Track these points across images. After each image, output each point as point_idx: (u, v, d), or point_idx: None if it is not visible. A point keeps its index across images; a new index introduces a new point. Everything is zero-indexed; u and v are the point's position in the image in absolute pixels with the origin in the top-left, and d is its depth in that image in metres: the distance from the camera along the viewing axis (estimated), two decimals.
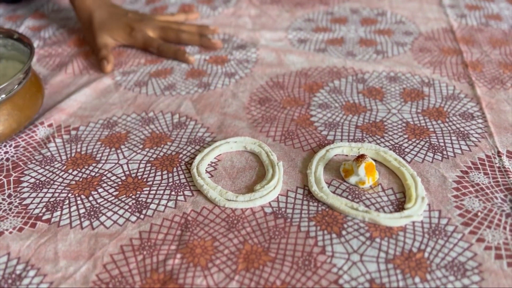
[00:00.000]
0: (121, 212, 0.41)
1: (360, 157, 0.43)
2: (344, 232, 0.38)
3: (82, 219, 0.40)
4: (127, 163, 0.46)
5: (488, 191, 0.42)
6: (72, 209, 0.41)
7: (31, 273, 0.36)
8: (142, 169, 0.45)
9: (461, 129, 0.49)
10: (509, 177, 0.43)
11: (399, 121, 0.50)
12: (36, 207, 0.41)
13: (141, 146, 0.48)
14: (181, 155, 0.47)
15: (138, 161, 0.46)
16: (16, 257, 0.37)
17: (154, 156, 0.47)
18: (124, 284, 0.35)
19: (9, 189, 0.44)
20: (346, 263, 0.36)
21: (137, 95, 0.56)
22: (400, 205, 0.41)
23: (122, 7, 0.70)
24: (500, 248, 0.37)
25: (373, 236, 0.38)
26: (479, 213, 0.40)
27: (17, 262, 0.37)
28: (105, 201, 0.42)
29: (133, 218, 0.40)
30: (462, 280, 0.34)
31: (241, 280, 0.35)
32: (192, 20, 0.73)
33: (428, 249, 0.37)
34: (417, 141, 0.47)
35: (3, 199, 0.43)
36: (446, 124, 0.50)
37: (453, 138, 0.48)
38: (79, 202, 0.42)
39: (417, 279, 0.35)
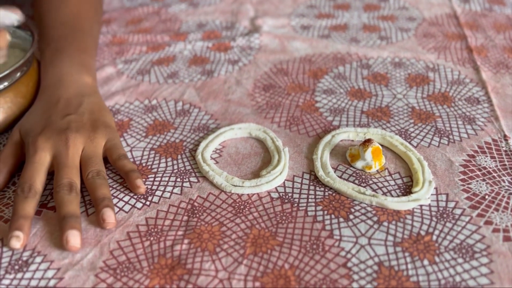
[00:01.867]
0: (126, 199, 0.41)
1: (367, 142, 0.42)
2: (351, 216, 0.38)
3: (88, 206, 0.40)
4: (130, 151, 0.46)
5: (495, 174, 0.41)
6: None
7: (38, 259, 0.36)
8: (146, 157, 0.45)
9: (467, 113, 0.49)
10: None
11: (404, 106, 0.50)
12: (42, 194, 0.41)
13: (144, 134, 0.48)
14: (185, 143, 0.47)
15: (142, 149, 0.46)
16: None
17: (158, 143, 0.47)
18: (131, 269, 0.35)
19: (13, 176, 0.43)
20: (354, 246, 0.36)
21: (140, 83, 0.56)
22: (407, 189, 0.41)
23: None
24: (508, 230, 0.37)
25: (380, 219, 0.38)
26: (486, 196, 0.39)
27: (23, 249, 0.36)
28: (111, 188, 0.42)
29: (139, 205, 0.40)
30: (471, 262, 0.34)
31: (249, 264, 0.35)
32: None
33: (436, 232, 0.37)
34: (423, 126, 0.47)
35: (8, 187, 0.42)
36: (452, 109, 0.49)
37: (459, 122, 0.47)
38: (84, 189, 0.42)
39: (425, 262, 0.35)
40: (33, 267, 0.35)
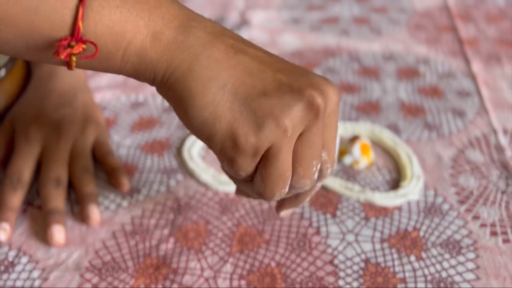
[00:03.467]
0: (112, 197, 0.40)
1: (355, 138, 0.42)
2: (339, 213, 0.38)
3: (74, 205, 0.40)
4: (116, 148, 0.45)
5: (483, 168, 0.41)
6: None
7: (24, 259, 0.35)
8: (132, 154, 0.45)
9: (457, 107, 0.48)
10: (504, 155, 0.42)
11: (394, 100, 0.50)
12: (27, 193, 0.41)
13: (130, 130, 0.47)
14: (172, 140, 0.46)
15: (128, 146, 0.46)
16: (7, 244, 0.36)
17: (144, 140, 0.46)
18: (117, 269, 0.35)
19: None
20: (341, 243, 0.36)
21: (127, 79, 0.55)
22: (395, 185, 0.40)
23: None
24: (495, 225, 0.36)
25: (368, 216, 0.38)
26: (474, 191, 0.39)
27: (9, 249, 0.36)
28: (97, 186, 0.41)
29: (125, 204, 0.40)
30: (458, 257, 0.34)
31: (235, 262, 0.35)
32: None
33: (424, 227, 0.37)
34: (413, 120, 0.47)
35: None
36: (442, 102, 0.49)
37: (449, 116, 0.47)
38: (70, 188, 0.41)
39: (412, 258, 0.34)
40: (18, 268, 0.35)
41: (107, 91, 0.52)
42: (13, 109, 0.45)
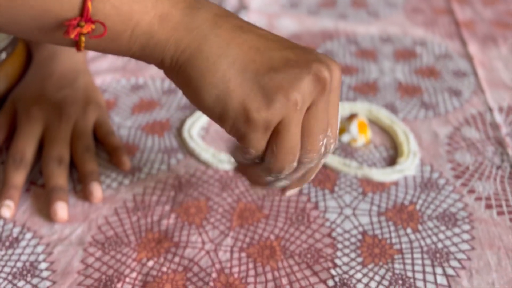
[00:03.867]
0: (114, 175, 0.41)
1: (353, 116, 0.43)
2: (336, 188, 0.39)
3: (76, 183, 0.40)
4: (117, 129, 0.46)
5: (479, 145, 0.42)
6: None
7: (28, 235, 0.36)
8: (133, 135, 0.45)
9: (453, 86, 0.49)
10: (500, 132, 0.43)
11: (391, 80, 0.50)
12: (30, 172, 0.41)
13: (130, 112, 0.48)
14: (171, 121, 0.47)
15: (128, 127, 0.46)
16: (12, 221, 0.37)
17: (145, 121, 0.47)
18: (119, 243, 0.35)
19: (1, 155, 0.44)
20: (339, 217, 0.36)
21: (127, 63, 0.56)
22: (392, 161, 0.41)
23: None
24: (490, 198, 0.37)
25: (365, 191, 0.38)
26: (470, 166, 0.40)
27: (13, 226, 0.37)
28: (99, 165, 0.42)
29: (126, 182, 0.40)
30: (453, 229, 0.35)
31: (235, 236, 0.36)
32: None
33: (420, 201, 0.37)
34: (410, 100, 0.47)
35: None
36: (439, 82, 0.50)
37: (445, 95, 0.48)
38: (72, 167, 0.42)
39: (409, 230, 0.35)
40: (23, 243, 0.36)
41: (107, 75, 0.53)
42: (15, 90, 0.45)
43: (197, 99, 0.28)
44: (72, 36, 0.26)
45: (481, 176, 0.39)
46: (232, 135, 0.28)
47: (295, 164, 0.29)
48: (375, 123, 0.45)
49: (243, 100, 0.27)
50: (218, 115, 0.28)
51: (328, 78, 0.27)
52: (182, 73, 0.28)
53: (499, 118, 0.44)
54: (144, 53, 0.28)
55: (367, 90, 0.49)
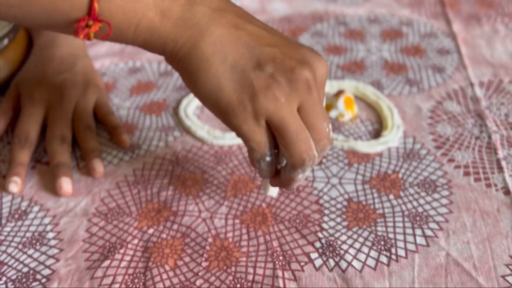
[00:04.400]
0: (114, 152, 0.43)
1: (340, 92, 0.45)
2: (324, 160, 0.41)
3: (79, 161, 0.43)
4: (116, 110, 0.48)
5: (460, 118, 0.44)
6: None
7: (35, 208, 0.39)
8: (132, 115, 0.48)
9: (437, 64, 0.51)
10: (480, 105, 0.45)
11: (378, 59, 0.52)
12: (35, 151, 0.44)
13: (128, 94, 0.50)
14: (168, 101, 0.49)
15: (127, 108, 0.48)
16: (19, 196, 0.40)
17: (142, 102, 0.49)
18: (121, 214, 0.38)
19: (7, 137, 0.46)
20: (326, 186, 0.39)
21: (124, 47, 0.57)
22: (377, 134, 0.43)
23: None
24: (469, 166, 0.40)
25: (351, 162, 0.41)
26: (450, 137, 0.42)
27: (21, 200, 0.39)
28: (100, 144, 0.44)
29: (127, 158, 0.43)
30: (433, 195, 0.37)
31: (230, 205, 0.38)
32: None
33: (402, 170, 0.40)
34: (395, 77, 0.50)
35: (3, 147, 0.45)
36: (423, 60, 0.52)
37: (429, 72, 0.50)
38: (75, 145, 0.44)
39: (391, 196, 0.38)
40: (31, 215, 0.38)
41: (106, 59, 0.55)
42: (18, 75, 0.48)
43: (194, 89, 0.31)
44: (81, 36, 0.28)
45: (461, 146, 0.41)
46: (230, 128, 0.31)
47: (314, 152, 0.31)
48: (361, 99, 0.47)
49: (232, 94, 0.29)
50: (212, 106, 0.30)
51: (311, 79, 0.30)
52: (181, 64, 0.31)
53: (479, 92, 0.46)
54: (147, 45, 0.31)
55: (355, 68, 0.51)
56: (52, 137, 0.42)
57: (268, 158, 0.31)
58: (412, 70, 0.50)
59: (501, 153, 0.40)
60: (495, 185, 0.38)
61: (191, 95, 0.48)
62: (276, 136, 0.30)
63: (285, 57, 0.30)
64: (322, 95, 0.32)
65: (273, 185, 0.34)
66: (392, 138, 0.42)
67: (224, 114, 0.30)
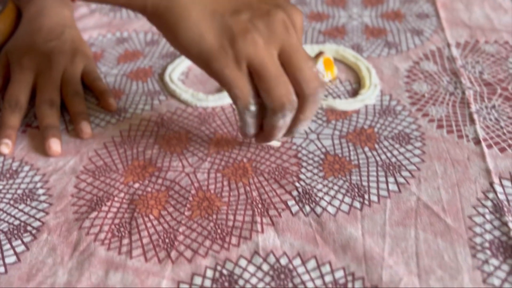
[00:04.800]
0: (102, 116, 0.45)
1: (319, 54, 0.46)
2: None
3: (68, 124, 0.44)
4: (104, 77, 0.50)
5: (435, 76, 0.46)
6: None
7: (26, 168, 0.40)
8: (119, 81, 0.49)
9: (416, 27, 0.52)
10: (456, 64, 0.46)
11: (359, 24, 0.54)
12: (25, 116, 0.45)
13: (115, 62, 0.52)
14: (154, 68, 0.50)
15: (115, 75, 0.50)
16: (11, 157, 0.41)
17: (129, 70, 0.50)
18: (108, 171, 0.39)
19: None
20: (305, 141, 0.40)
21: (112, 19, 0.59)
22: (355, 93, 0.45)
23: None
24: (442, 120, 0.41)
25: (329, 119, 0.42)
26: (426, 94, 0.44)
27: (12, 161, 0.41)
28: (88, 109, 0.46)
29: (114, 121, 0.44)
30: (406, 146, 0.39)
31: (212, 160, 0.40)
32: None
33: (378, 125, 0.41)
34: (375, 40, 0.51)
35: None
36: (403, 24, 0.53)
37: (408, 35, 0.51)
38: (64, 110, 0.46)
39: (366, 148, 0.39)
40: (22, 174, 0.40)
41: (94, 30, 0.56)
42: (7, 44, 0.49)
43: (176, 41, 0.32)
44: None
45: (435, 102, 0.43)
46: (210, 76, 0.32)
47: (293, 97, 0.32)
48: (341, 62, 0.48)
49: (213, 40, 0.31)
50: (195, 55, 0.32)
51: (285, 19, 0.31)
52: (162, 18, 0.32)
53: (456, 52, 0.48)
54: (129, 3, 0.32)
55: (336, 33, 0.52)
56: (41, 101, 0.44)
57: (252, 108, 0.32)
58: (391, 33, 0.52)
59: (473, 107, 0.42)
60: (467, 136, 0.39)
61: (176, 62, 0.50)
62: (257, 82, 0.31)
63: (260, 2, 0.31)
64: (300, 39, 0.33)
65: (258, 141, 0.35)
66: (369, 96, 0.43)
67: (207, 61, 0.31)
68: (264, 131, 0.34)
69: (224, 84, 0.32)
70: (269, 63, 0.30)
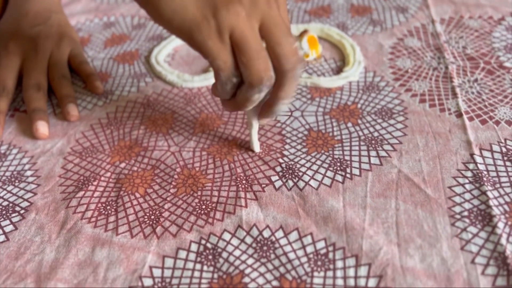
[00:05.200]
0: (89, 99, 0.45)
1: (303, 32, 0.46)
2: None
3: (55, 108, 0.45)
4: (91, 61, 0.50)
5: (419, 52, 0.46)
6: None
7: (14, 151, 0.41)
8: (106, 65, 0.49)
9: (401, 4, 0.52)
10: (439, 39, 0.47)
11: (344, 3, 0.54)
12: (13, 101, 0.46)
13: (102, 46, 0.52)
14: (140, 51, 0.51)
15: (101, 59, 0.50)
16: None
17: (116, 53, 0.51)
18: (95, 151, 0.40)
19: None
20: (289, 118, 0.41)
21: (99, 5, 0.59)
22: (340, 71, 0.45)
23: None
24: (425, 94, 0.41)
25: (313, 96, 0.43)
26: (409, 70, 0.44)
27: (0, 144, 0.41)
28: (75, 92, 0.46)
29: (100, 103, 0.45)
30: (389, 121, 0.39)
31: (197, 139, 0.40)
32: None
33: (361, 101, 0.42)
34: (360, 18, 0.51)
35: None
36: (388, 2, 0.53)
37: (393, 12, 0.51)
38: (51, 94, 0.46)
39: (349, 124, 0.40)
40: (10, 157, 0.40)
41: (81, 16, 0.56)
42: None
43: (157, 14, 0.32)
44: None
45: (418, 77, 0.43)
46: (193, 48, 0.32)
47: (272, 73, 0.32)
48: (326, 40, 0.49)
49: (196, 11, 0.31)
50: (177, 27, 0.31)
51: None
52: None
53: (440, 28, 0.48)
54: None
55: (322, 13, 0.53)
56: (28, 85, 0.44)
57: (234, 79, 0.32)
58: (376, 11, 0.52)
59: (456, 81, 0.42)
60: (449, 110, 0.40)
61: (162, 44, 0.50)
62: (237, 54, 0.31)
63: None
64: (283, 14, 0.33)
65: (227, 107, 0.35)
66: (353, 73, 0.44)
67: (189, 32, 0.31)
68: (236, 101, 0.34)
69: (207, 56, 0.32)
70: (249, 36, 0.31)
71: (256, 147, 0.38)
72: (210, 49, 0.31)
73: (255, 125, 0.37)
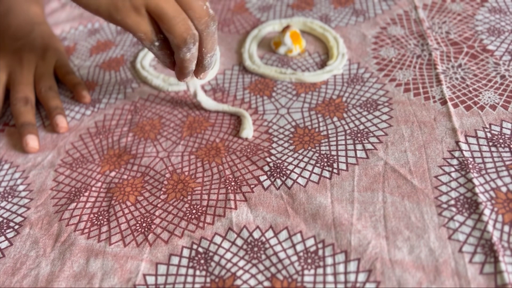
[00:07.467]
0: (77, 109, 0.46)
1: (286, 28, 0.46)
2: (274, 94, 0.43)
3: (44, 120, 0.45)
4: (78, 70, 0.50)
5: (403, 40, 0.46)
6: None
7: (6, 166, 0.41)
8: (92, 73, 0.49)
9: None
10: (422, 26, 0.47)
11: None
12: (2, 116, 0.46)
13: (88, 54, 0.52)
14: (126, 56, 0.51)
15: (88, 67, 0.50)
16: None
17: (102, 60, 0.51)
18: (85, 162, 0.40)
19: None
20: (275, 116, 0.41)
21: (83, 12, 0.59)
22: (324, 65, 0.45)
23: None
24: (409, 83, 0.41)
25: (299, 92, 0.43)
26: (393, 59, 0.44)
27: None
28: (63, 102, 0.46)
29: (88, 112, 0.45)
30: (374, 112, 0.40)
31: (185, 143, 0.40)
32: None
33: (346, 94, 0.42)
34: (342, 9, 0.51)
35: None
36: None
37: (375, 1, 0.51)
38: (39, 105, 0.46)
39: (335, 118, 0.40)
40: (2, 172, 0.41)
41: (65, 24, 0.56)
42: None
43: (78, 2, 0.34)
44: None
45: (402, 66, 0.43)
46: (117, 25, 0.35)
47: (194, 31, 0.34)
48: (309, 34, 0.49)
49: None
50: (96, 10, 0.34)
51: None
52: None
53: (422, 14, 0.48)
54: None
55: (304, 5, 0.52)
56: (16, 99, 0.44)
57: (156, 43, 0.35)
58: (359, 1, 0.51)
59: (440, 68, 0.42)
60: (433, 98, 0.40)
61: None
62: (158, 23, 0.34)
63: None
64: None
65: (178, 76, 0.38)
66: (337, 66, 0.44)
67: (109, 14, 0.34)
68: (178, 66, 0.37)
69: (129, 31, 0.35)
70: (164, 5, 0.33)
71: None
72: (130, 25, 0.34)
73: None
